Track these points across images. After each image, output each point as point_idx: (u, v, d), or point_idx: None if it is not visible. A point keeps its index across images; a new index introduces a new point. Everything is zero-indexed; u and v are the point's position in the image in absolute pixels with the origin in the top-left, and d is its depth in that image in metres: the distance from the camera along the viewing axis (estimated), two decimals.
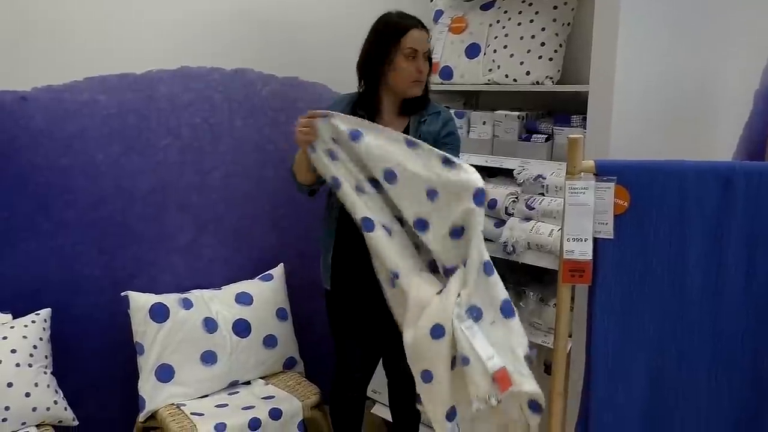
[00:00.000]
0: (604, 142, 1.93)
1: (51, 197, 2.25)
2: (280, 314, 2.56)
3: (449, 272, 1.86)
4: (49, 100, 2.21)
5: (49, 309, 2.20)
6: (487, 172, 2.54)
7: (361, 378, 2.29)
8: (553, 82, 2.33)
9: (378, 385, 2.56)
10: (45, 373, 2.10)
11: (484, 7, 2.58)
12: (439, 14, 2.69)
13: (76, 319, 2.33)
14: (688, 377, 1.76)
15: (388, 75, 2.02)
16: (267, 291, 2.57)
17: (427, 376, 1.81)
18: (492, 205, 2.26)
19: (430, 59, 2.08)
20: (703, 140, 2.25)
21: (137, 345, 2.30)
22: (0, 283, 2.20)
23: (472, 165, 2.44)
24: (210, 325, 2.38)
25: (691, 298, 1.73)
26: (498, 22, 2.49)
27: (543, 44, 2.33)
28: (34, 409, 2.03)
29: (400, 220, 1.93)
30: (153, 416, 2.26)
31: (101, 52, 2.28)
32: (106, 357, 2.41)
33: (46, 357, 2.13)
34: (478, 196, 1.81)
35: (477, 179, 1.82)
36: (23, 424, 2.01)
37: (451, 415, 1.83)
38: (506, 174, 2.43)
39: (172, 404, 2.26)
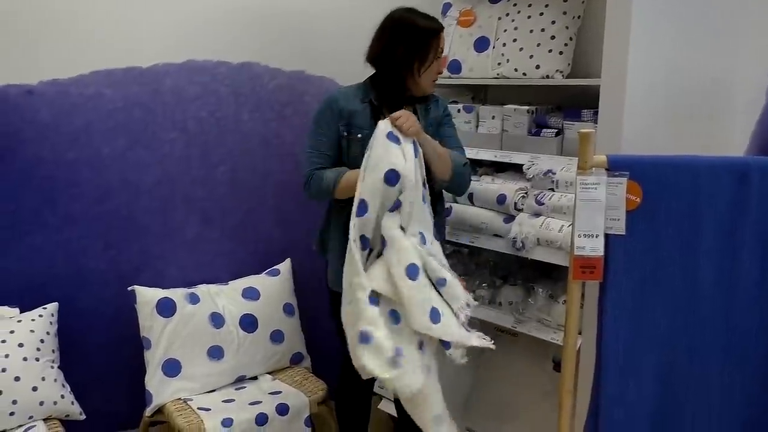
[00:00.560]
0: (616, 137, 1.91)
1: (57, 191, 2.24)
2: (287, 309, 2.55)
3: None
4: (55, 94, 2.21)
5: (56, 303, 2.20)
6: (495, 167, 2.53)
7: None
8: (563, 75, 2.30)
9: None
10: (52, 367, 2.09)
11: (493, 0, 2.55)
12: (447, 7, 2.67)
13: (82, 313, 2.33)
14: (700, 373, 1.75)
15: (418, 74, 2.02)
16: (274, 286, 2.56)
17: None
18: (501, 200, 2.24)
19: None
20: (715, 135, 2.22)
21: (144, 340, 2.29)
22: (6, 277, 2.19)
23: (480, 159, 2.46)
24: (217, 320, 2.37)
25: (703, 294, 1.71)
26: (507, 15, 2.46)
27: (553, 37, 2.31)
28: (41, 404, 2.02)
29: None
30: (160, 410, 2.25)
31: (107, 45, 2.27)
32: (112, 351, 2.40)
33: (53, 351, 2.13)
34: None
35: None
36: (30, 418, 2.01)
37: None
38: (515, 169, 2.41)
39: (179, 399, 2.25)
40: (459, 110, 2.54)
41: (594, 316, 1.78)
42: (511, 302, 2.29)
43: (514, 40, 2.40)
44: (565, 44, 2.31)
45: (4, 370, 1.98)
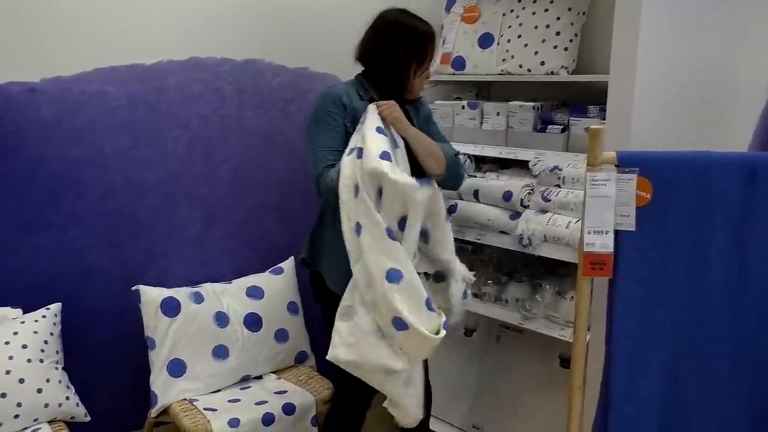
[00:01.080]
0: (624, 133, 1.91)
1: (60, 189, 2.22)
2: (291, 308, 2.54)
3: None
4: (58, 91, 2.19)
5: (60, 303, 2.18)
6: (500, 163, 2.52)
7: None
8: (568, 72, 2.29)
9: None
10: (56, 368, 2.07)
11: None
12: (451, 3, 2.66)
13: (86, 312, 2.31)
14: (708, 369, 1.74)
15: (414, 76, 2.02)
16: (278, 284, 2.55)
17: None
18: (507, 197, 2.23)
19: None
20: (720, 131, 2.22)
21: (149, 339, 2.27)
22: (9, 276, 2.17)
23: (485, 156, 2.46)
24: (221, 319, 2.36)
25: (712, 290, 1.71)
26: (512, 11, 2.45)
27: (558, 33, 2.30)
28: (46, 405, 2.00)
29: None
30: (165, 411, 2.24)
31: (110, 42, 2.25)
32: (116, 350, 2.39)
33: (57, 352, 2.11)
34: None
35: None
36: (35, 420, 1.99)
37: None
38: (520, 166, 2.41)
39: (185, 399, 2.24)
40: (463, 107, 2.53)
41: (602, 312, 1.78)
42: (518, 299, 2.29)
43: (519, 36, 2.39)
44: (570, 40, 2.30)
45: (8, 372, 1.96)
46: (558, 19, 2.32)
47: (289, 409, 2.22)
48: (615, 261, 1.70)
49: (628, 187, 1.68)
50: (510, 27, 2.43)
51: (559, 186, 2.17)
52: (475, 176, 2.41)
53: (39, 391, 1.99)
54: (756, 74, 2.24)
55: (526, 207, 2.22)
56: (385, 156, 1.80)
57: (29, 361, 2.00)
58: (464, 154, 2.42)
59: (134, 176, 2.35)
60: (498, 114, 2.44)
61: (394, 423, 1.99)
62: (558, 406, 2.21)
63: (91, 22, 2.20)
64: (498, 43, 2.45)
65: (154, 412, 2.24)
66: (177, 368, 2.26)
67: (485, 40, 2.49)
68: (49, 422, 2.02)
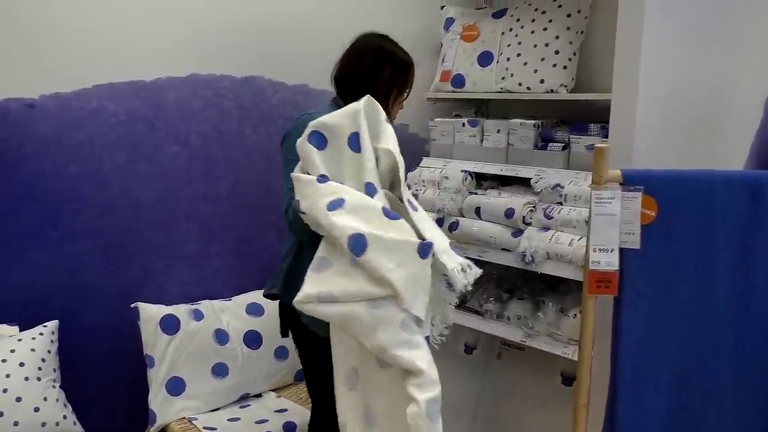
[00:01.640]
0: (628, 151, 1.92)
1: (59, 205, 2.20)
2: None
3: None
4: (57, 108, 2.17)
5: (57, 321, 2.15)
6: (501, 180, 2.53)
7: None
8: (567, 90, 2.31)
9: None
10: (54, 387, 2.04)
11: (496, 15, 2.57)
12: (450, 22, 2.68)
13: (84, 329, 2.28)
14: (713, 387, 1.75)
15: (393, 103, 2.01)
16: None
17: None
18: (509, 214, 2.23)
19: None
20: (720, 148, 2.24)
21: (147, 357, 2.24)
22: (6, 292, 2.14)
23: (486, 174, 2.46)
24: (221, 336, 2.34)
25: (717, 308, 1.72)
26: (511, 30, 2.48)
27: (557, 52, 2.32)
28: (43, 425, 1.97)
29: None
30: (164, 430, 2.21)
31: (110, 59, 2.24)
32: (113, 367, 2.35)
33: (54, 370, 2.07)
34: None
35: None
36: None
37: None
38: (521, 183, 2.41)
39: (183, 418, 2.21)
40: (464, 124, 2.54)
41: (605, 330, 1.78)
42: (520, 316, 2.29)
43: (518, 55, 2.41)
44: (569, 59, 2.32)
45: (5, 391, 1.92)
46: (557, 38, 2.34)
47: (290, 427, 2.20)
48: (620, 279, 1.71)
49: (633, 205, 1.69)
50: (509, 45, 2.45)
51: (560, 203, 2.17)
52: (476, 193, 2.42)
53: (36, 409, 1.96)
54: (750, 91, 2.27)
55: (528, 224, 2.22)
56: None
57: (26, 379, 1.97)
58: (464, 171, 2.43)
59: (133, 192, 2.33)
60: (498, 131, 2.45)
61: None
62: (559, 423, 2.20)
63: (91, 38, 2.19)
64: (497, 62, 2.47)
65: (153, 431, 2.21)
66: (176, 386, 2.24)
67: (484, 59, 2.51)
68: None
